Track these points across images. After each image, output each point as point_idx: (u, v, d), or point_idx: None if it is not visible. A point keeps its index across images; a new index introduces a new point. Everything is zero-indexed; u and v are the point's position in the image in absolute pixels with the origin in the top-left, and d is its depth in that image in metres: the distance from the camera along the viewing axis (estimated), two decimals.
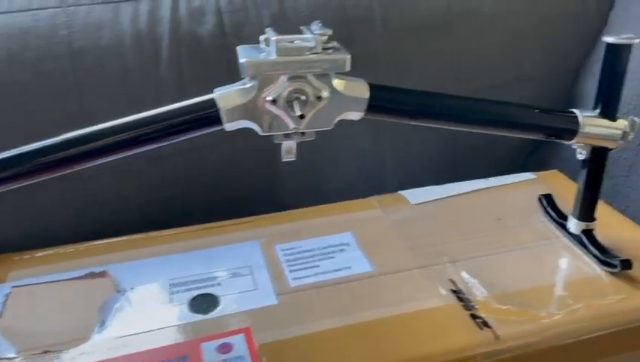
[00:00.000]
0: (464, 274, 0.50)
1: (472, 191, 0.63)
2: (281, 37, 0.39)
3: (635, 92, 0.73)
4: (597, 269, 0.50)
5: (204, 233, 0.56)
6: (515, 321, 0.44)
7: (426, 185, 0.65)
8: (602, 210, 0.60)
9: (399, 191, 0.63)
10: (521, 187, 0.64)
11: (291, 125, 0.41)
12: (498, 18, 0.75)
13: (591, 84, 0.79)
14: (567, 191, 0.60)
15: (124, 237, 0.55)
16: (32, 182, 0.39)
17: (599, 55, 0.81)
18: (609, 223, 0.57)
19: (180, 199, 0.63)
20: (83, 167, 0.41)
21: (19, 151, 0.38)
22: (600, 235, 0.54)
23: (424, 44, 0.72)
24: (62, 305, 0.47)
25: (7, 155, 0.38)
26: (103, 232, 0.58)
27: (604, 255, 0.50)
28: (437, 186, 0.64)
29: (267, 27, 0.64)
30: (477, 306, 0.46)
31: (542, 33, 0.78)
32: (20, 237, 0.56)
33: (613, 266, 0.48)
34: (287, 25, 0.65)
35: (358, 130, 0.71)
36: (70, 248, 0.54)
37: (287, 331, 0.44)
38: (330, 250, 0.54)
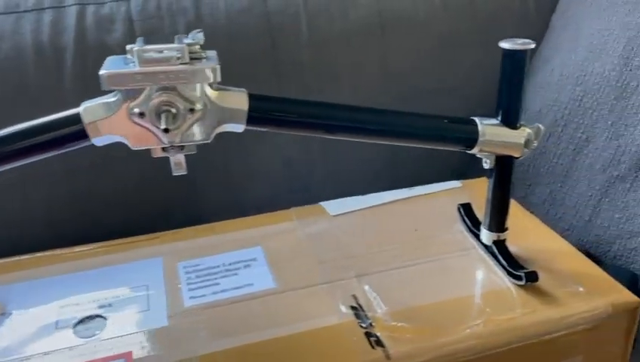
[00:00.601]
0: (367, 289, 0.48)
1: (394, 201, 0.61)
2: (147, 47, 0.37)
3: (570, 96, 0.72)
4: (507, 282, 0.48)
5: (103, 251, 0.54)
6: (409, 339, 0.42)
7: (365, 194, 0.63)
8: (524, 218, 0.59)
9: (320, 203, 0.61)
10: (444, 196, 0.62)
11: (164, 139, 0.39)
12: (431, 24, 0.73)
13: (532, 90, 0.78)
14: None
15: (25, 256, 0.53)
16: None
17: (542, 59, 0.81)
18: (529, 232, 0.56)
19: (93, 214, 0.60)
20: None
21: None
22: (517, 245, 0.52)
23: (354, 52, 0.71)
24: None
25: None
26: (13, 249, 0.56)
27: (512, 267, 0.48)
28: (359, 197, 0.62)
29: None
30: (373, 323, 0.44)
31: (478, 38, 0.77)
32: None
33: (519, 278, 0.47)
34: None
35: (285, 137, 0.69)
36: None
37: (170, 356, 0.42)
38: (236, 266, 0.52)
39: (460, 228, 0.56)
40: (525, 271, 0.47)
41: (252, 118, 0.40)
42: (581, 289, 0.47)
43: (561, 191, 0.71)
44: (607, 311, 0.45)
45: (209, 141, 0.41)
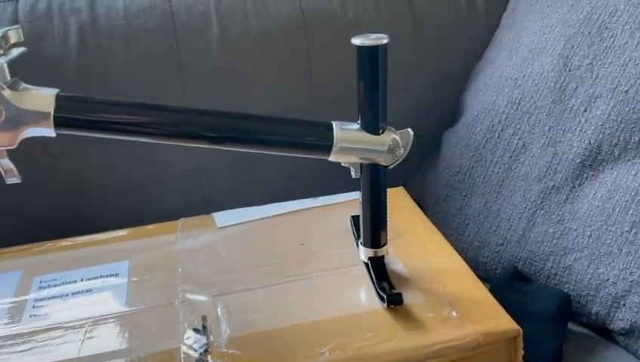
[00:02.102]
0: (219, 310, 0.43)
1: (291, 213, 0.57)
2: None
3: (508, 100, 0.67)
4: (378, 304, 0.43)
5: None
6: None
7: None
8: (425, 230, 0.53)
9: (212, 213, 0.57)
10: (347, 207, 0.57)
11: None
12: (363, 23, 0.69)
13: (471, 93, 0.72)
14: (404, 211, 0.54)
15: None
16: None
17: (486, 62, 0.75)
18: (425, 247, 0.50)
19: None
20: None
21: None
22: (404, 262, 0.47)
23: (273, 52, 0.67)
24: None
25: None
26: None
27: (381, 287, 0.43)
28: (254, 207, 0.58)
29: (73, 37, 0.60)
30: (209, 349, 0.40)
31: (419, 39, 0.72)
32: None
33: (383, 300, 0.42)
34: (99, 35, 0.60)
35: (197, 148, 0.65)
36: None
37: None
38: (93, 282, 0.48)
39: (352, 243, 0.51)
40: (390, 292, 0.42)
41: (61, 122, 0.37)
42: (454, 313, 0.41)
43: (497, 202, 0.65)
44: (477, 340, 0.39)
45: (14, 147, 0.37)
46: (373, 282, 0.44)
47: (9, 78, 0.34)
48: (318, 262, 0.49)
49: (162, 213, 0.64)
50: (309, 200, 0.59)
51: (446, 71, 0.75)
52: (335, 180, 0.70)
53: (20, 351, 0.41)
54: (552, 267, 0.60)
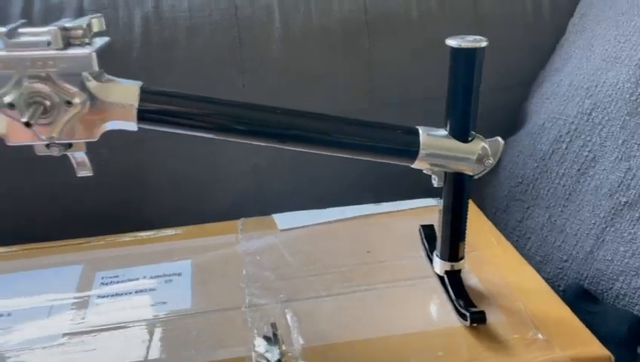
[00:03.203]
0: (289, 318, 0.42)
1: (354, 218, 0.55)
2: (21, 30, 0.33)
3: (578, 110, 0.64)
4: (456, 320, 0.41)
5: (26, 254, 0.50)
6: None
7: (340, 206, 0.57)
8: (499, 246, 0.51)
9: (272, 215, 0.56)
10: (414, 214, 0.55)
11: (42, 135, 0.34)
12: (427, 23, 0.66)
13: (537, 101, 0.69)
14: (473, 223, 0.52)
15: None
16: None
17: (552, 69, 0.72)
18: (498, 262, 0.48)
19: (27, 213, 0.57)
20: None
21: None
22: (480, 276, 0.45)
23: (334, 50, 0.65)
24: None
25: None
26: None
27: (461, 303, 0.41)
28: (317, 210, 0.56)
29: (137, 28, 0.59)
30: (283, 360, 0.38)
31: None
32: None
33: (465, 318, 0.40)
34: (163, 27, 0.59)
35: (254, 146, 0.64)
36: None
37: None
38: (156, 280, 0.47)
39: (420, 253, 0.49)
40: (473, 310, 0.39)
41: (145, 116, 0.35)
42: (540, 336, 0.39)
43: (562, 216, 0.62)
44: None
45: (95, 139, 0.36)
46: (450, 297, 0.42)
47: (96, 69, 0.33)
48: (387, 272, 0.47)
49: (216, 211, 0.63)
50: (371, 205, 0.57)
51: (508, 76, 0.73)
52: (392, 185, 0.69)
53: (85, 350, 0.40)
54: (621, 287, 0.57)
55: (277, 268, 0.48)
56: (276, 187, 0.66)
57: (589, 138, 0.62)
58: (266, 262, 0.48)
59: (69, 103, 0.34)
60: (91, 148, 0.57)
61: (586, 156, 0.61)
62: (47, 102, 0.33)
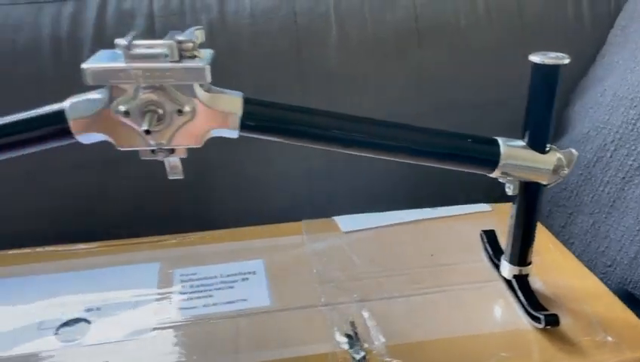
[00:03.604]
0: (367, 317, 0.44)
1: (413, 222, 0.57)
2: (135, 42, 0.35)
3: (623, 119, 0.65)
4: (525, 323, 0.43)
5: (104, 251, 0.52)
6: None
7: (387, 210, 0.59)
8: (556, 251, 0.53)
9: (333, 217, 0.58)
10: (470, 219, 0.57)
11: (151, 141, 0.37)
12: (473, 33, 0.68)
13: (580, 110, 0.71)
14: None
15: (23, 250, 0.52)
16: None
17: (594, 78, 0.74)
18: (559, 267, 0.50)
19: (96, 212, 0.59)
20: None
21: None
22: (543, 281, 0.47)
23: (386, 57, 0.67)
24: None
25: None
26: (14, 241, 0.56)
27: (532, 306, 0.43)
28: (376, 214, 0.58)
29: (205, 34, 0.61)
30: (367, 357, 0.40)
31: (525, 50, 0.71)
32: None
33: (538, 320, 0.42)
34: (227, 33, 0.61)
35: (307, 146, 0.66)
36: None
37: None
38: (233, 278, 0.49)
39: (482, 257, 0.51)
40: (545, 313, 0.41)
41: (246, 124, 0.37)
42: (609, 338, 0.41)
43: (606, 222, 0.64)
44: None
45: (199, 146, 0.38)
46: (519, 300, 0.44)
47: (209, 81, 0.35)
48: (453, 275, 0.49)
49: (272, 212, 0.65)
50: (428, 210, 0.59)
51: None
52: (441, 189, 0.71)
53: (175, 344, 0.42)
54: None
55: (346, 269, 0.50)
56: (329, 189, 0.68)
57: (633, 147, 0.63)
58: (334, 263, 0.51)
59: (180, 112, 0.36)
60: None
61: (631, 165, 0.63)
62: (160, 111, 0.35)
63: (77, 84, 0.56)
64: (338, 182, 0.68)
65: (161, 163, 0.60)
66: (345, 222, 0.56)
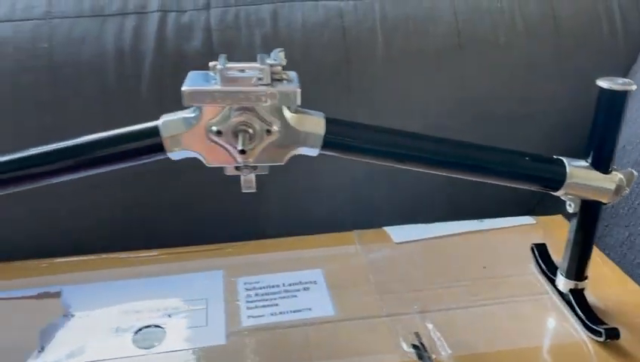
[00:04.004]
0: (431, 328, 0.45)
1: (462, 233, 0.58)
2: (230, 65, 0.37)
3: None
4: (583, 336, 0.45)
5: (166, 258, 0.54)
6: None
7: (426, 220, 0.61)
8: (604, 265, 0.55)
9: (384, 227, 0.59)
10: (516, 232, 0.59)
11: (239, 158, 0.38)
12: (512, 48, 0.70)
13: None
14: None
15: (87, 257, 0.54)
16: None
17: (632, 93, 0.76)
18: (609, 282, 0.52)
19: (155, 220, 0.61)
20: (28, 187, 0.40)
21: None
22: (595, 295, 0.49)
23: (429, 70, 0.68)
24: (6, 325, 0.46)
25: None
26: (76, 249, 0.57)
27: (591, 320, 0.45)
28: (425, 225, 0.60)
29: (257, 47, 0.63)
30: None
31: (563, 65, 0.73)
32: None
33: (598, 334, 0.43)
34: (280, 47, 0.62)
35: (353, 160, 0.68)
36: (31, 264, 0.53)
37: None
38: (295, 287, 0.50)
39: (533, 270, 0.53)
40: (606, 326, 0.43)
41: (327, 143, 0.39)
42: None
43: None
44: None
45: (282, 163, 0.40)
46: (576, 314, 0.46)
47: (299, 103, 0.37)
48: (508, 287, 0.50)
49: (317, 221, 0.67)
50: (474, 222, 0.61)
51: (582, 99, 0.76)
52: (474, 200, 0.73)
53: (251, 351, 0.43)
54: None
55: (403, 280, 0.51)
56: (370, 199, 0.70)
57: None
58: (391, 274, 0.52)
59: (268, 132, 0.37)
60: None
61: None
62: (251, 130, 0.37)
63: (140, 95, 0.58)
64: (379, 191, 0.70)
65: (214, 173, 0.62)
66: (396, 232, 0.58)
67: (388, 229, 0.59)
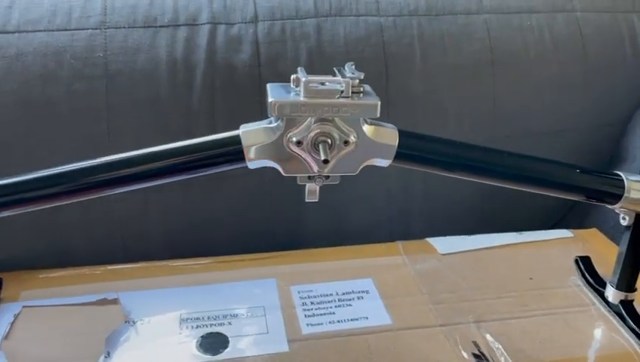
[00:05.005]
0: (489, 337, 0.46)
1: (503, 246, 0.60)
2: (311, 78, 0.38)
3: None
4: (634, 345, 0.46)
5: (220, 266, 0.54)
6: None
7: (454, 234, 0.62)
8: None
9: (427, 239, 0.61)
10: (556, 245, 0.60)
11: (315, 168, 0.39)
12: (541, 64, 0.72)
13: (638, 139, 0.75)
14: (605, 254, 0.57)
15: (140, 264, 0.54)
16: (46, 206, 0.38)
17: None
18: None
19: (203, 228, 0.62)
20: (101, 195, 0.40)
21: (36, 175, 0.38)
22: None
23: (463, 85, 0.70)
24: (70, 331, 0.46)
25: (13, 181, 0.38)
26: (124, 257, 0.58)
27: None
28: (467, 236, 0.61)
29: (302, 60, 0.64)
30: None
31: (589, 83, 0.75)
32: (35, 255, 0.55)
33: None
34: (323, 60, 0.64)
35: (387, 170, 0.69)
36: (86, 270, 0.53)
37: None
38: (349, 296, 0.51)
39: (577, 282, 0.54)
40: None
41: (399, 155, 0.40)
42: None
43: None
44: None
45: (355, 173, 0.41)
46: (627, 324, 0.47)
47: (378, 115, 0.38)
48: (555, 298, 0.52)
49: (354, 232, 0.69)
50: (514, 234, 0.62)
51: (608, 117, 0.78)
52: (505, 212, 0.75)
53: (313, 358, 0.44)
54: None
55: (453, 290, 0.52)
56: (406, 211, 0.71)
57: None
58: (440, 284, 0.53)
59: (346, 143, 0.39)
60: (255, 170, 0.63)
61: None
62: (330, 141, 0.38)
63: (191, 104, 0.59)
64: (413, 203, 0.71)
65: (257, 184, 0.63)
66: (440, 244, 0.59)
67: (431, 240, 0.60)
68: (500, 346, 0.45)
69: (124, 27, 0.58)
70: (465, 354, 0.45)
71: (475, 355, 0.45)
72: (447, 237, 0.60)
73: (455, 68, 0.70)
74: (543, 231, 0.63)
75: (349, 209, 0.69)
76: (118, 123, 0.56)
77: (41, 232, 0.56)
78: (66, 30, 0.56)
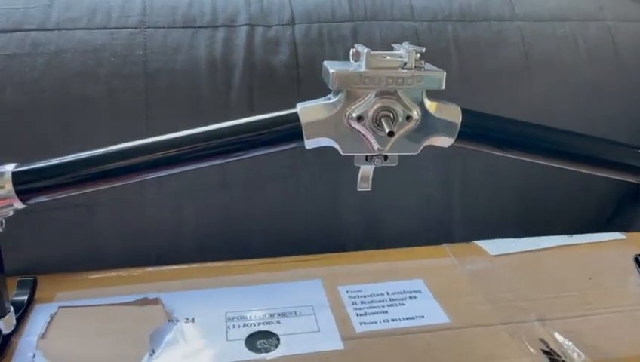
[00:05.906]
0: (557, 335, 0.43)
1: (555, 247, 0.57)
2: (373, 51, 0.36)
3: None
4: None
5: (262, 268, 0.52)
6: None
7: (495, 238, 0.60)
8: None
9: (474, 241, 0.58)
10: (610, 247, 0.58)
11: (375, 146, 0.37)
12: (575, 70, 0.71)
13: None
14: None
15: (179, 266, 0.52)
16: (94, 189, 0.37)
17: None
18: None
19: (238, 231, 0.59)
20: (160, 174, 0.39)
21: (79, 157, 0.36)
22: None
23: (498, 89, 0.69)
24: (111, 329, 0.43)
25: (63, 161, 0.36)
26: (158, 259, 0.56)
27: None
28: (515, 239, 0.58)
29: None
30: None
31: (623, 89, 0.74)
32: (69, 258, 0.53)
33: None
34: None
35: (427, 176, 0.67)
36: (123, 273, 0.51)
37: None
38: (400, 296, 0.48)
39: (638, 281, 0.51)
40: None
41: (462, 133, 0.38)
42: None
43: None
44: None
45: (416, 153, 0.39)
46: None
47: (443, 87, 0.36)
48: (618, 297, 0.49)
49: (392, 237, 0.66)
50: (565, 237, 0.59)
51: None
52: (541, 216, 0.72)
53: (371, 356, 0.41)
54: None
55: (509, 290, 0.50)
56: (444, 215, 0.69)
57: None
58: (495, 284, 0.50)
59: (408, 118, 0.37)
60: (292, 174, 0.61)
61: None
62: (392, 115, 0.36)
63: (230, 103, 0.58)
64: (451, 207, 0.69)
65: (297, 187, 0.61)
66: (490, 246, 0.57)
67: (479, 243, 0.57)
68: (571, 343, 0.42)
69: (164, 27, 0.57)
70: (533, 351, 0.42)
71: (545, 352, 0.41)
72: (496, 240, 0.58)
73: (491, 73, 0.69)
74: (594, 234, 0.60)
75: (387, 215, 0.67)
76: (157, 121, 0.54)
77: (75, 235, 0.54)
78: (105, 29, 0.55)
